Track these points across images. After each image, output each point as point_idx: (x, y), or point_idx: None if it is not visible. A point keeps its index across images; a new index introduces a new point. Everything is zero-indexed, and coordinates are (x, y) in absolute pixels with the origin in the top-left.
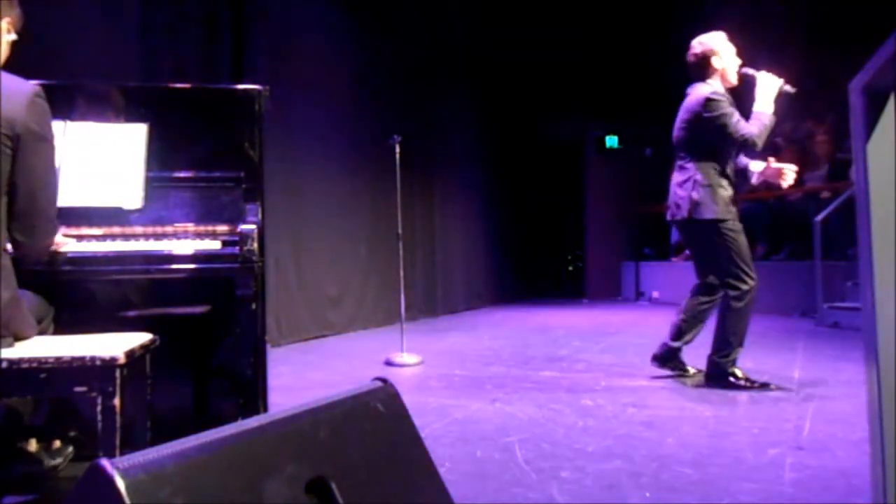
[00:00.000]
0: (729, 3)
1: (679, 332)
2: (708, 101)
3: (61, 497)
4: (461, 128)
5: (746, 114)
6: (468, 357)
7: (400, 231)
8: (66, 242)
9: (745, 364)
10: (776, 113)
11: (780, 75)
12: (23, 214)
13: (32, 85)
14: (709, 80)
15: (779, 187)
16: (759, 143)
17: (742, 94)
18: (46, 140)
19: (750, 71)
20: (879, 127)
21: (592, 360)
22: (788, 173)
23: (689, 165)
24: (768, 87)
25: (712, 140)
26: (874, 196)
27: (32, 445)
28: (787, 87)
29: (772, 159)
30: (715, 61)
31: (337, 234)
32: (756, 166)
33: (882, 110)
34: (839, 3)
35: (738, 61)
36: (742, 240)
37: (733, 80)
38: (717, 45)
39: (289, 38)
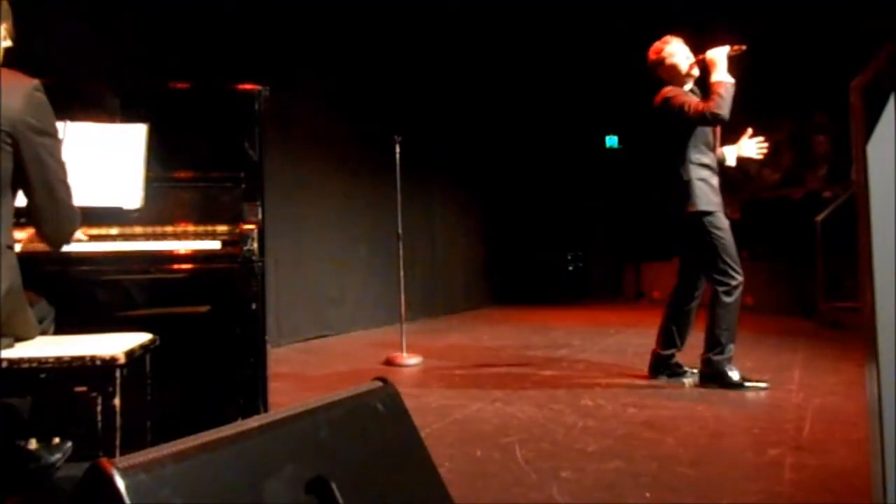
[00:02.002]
0: (726, 2)
1: (668, 341)
2: (664, 101)
3: (61, 497)
4: (461, 128)
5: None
6: (468, 357)
7: (400, 231)
8: (82, 237)
9: (745, 364)
10: (736, 76)
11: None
12: (44, 208)
13: (30, 79)
14: (667, 84)
15: (758, 161)
16: (723, 112)
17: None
18: (49, 133)
19: (699, 56)
20: (879, 127)
21: (592, 360)
22: (760, 145)
23: (671, 164)
24: (717, 58)
25: (687, 134)
26: (874, 196)
27: (32, 444)
28: (736, 48)
29: (745, 136)
30: (661, 70)
31: (337, 234)
32: (728, 150)
33: (882, 110)
34: (839, 3)
35: (691, 57)
36: (728, 236)
37: (690, 73)
38: (661, 53)
39: (288, 37)
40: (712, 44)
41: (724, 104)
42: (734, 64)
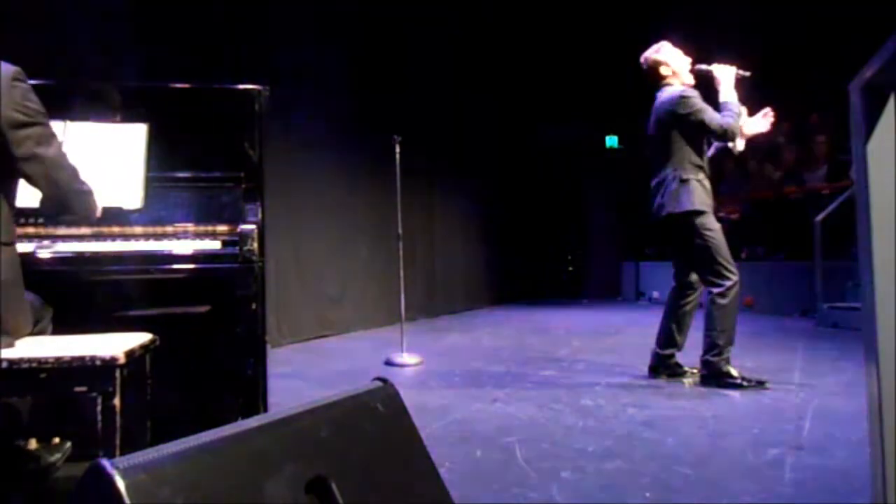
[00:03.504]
0: (725, 2)
1: (667, 340)
2: (682, 99)
3: (61, 497)
4: (461, 128)
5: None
6: (468, 357)
7: (400, 231)
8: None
9: (746, 364)
10: (739, 99)
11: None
12: (53, 198)
13: (10, 68)
14: (664, 86)
15: (768, 134)
16: (738, 131)
17: (701, 91)
18: (36, 122)
19: (703, 67)
20: (879, 127)
21: (592, 360)
22: (767, 115)
23: (667, 164)
24: (726, 76)
25: (689, 136)
26: (874, 196)
27: (32, 445)
28: (741, 72)
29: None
30: (663, 70)
31: (337, 235)
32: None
33: (882, 110)
34: (839, 2)
35: (688, 60)
36: (720, 237)
37: (688, 80)
38: (660, 56)
39: (289, 38)
40: (715, 57)
41: (738, 123)
42: (737, 87)
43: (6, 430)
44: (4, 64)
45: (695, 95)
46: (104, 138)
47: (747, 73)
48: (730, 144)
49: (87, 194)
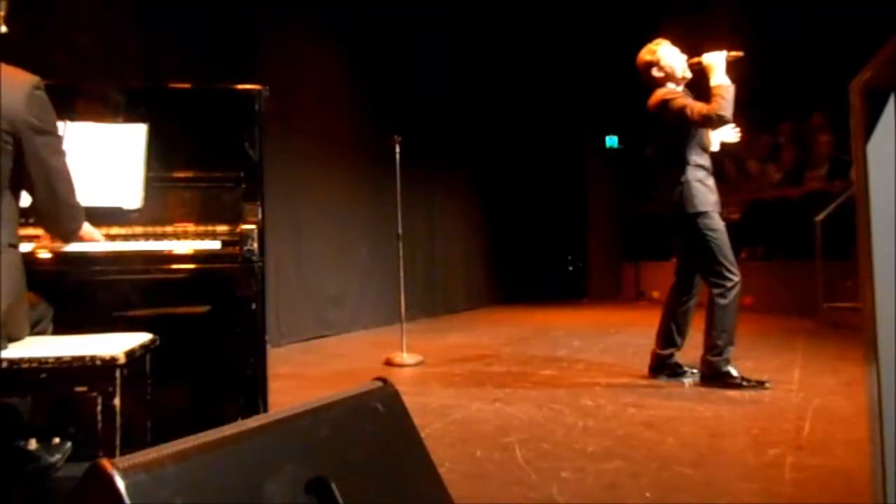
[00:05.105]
0: (726, 2)
1: (667, 340)
2: (663, 103)
3: (61, 497)
4: (461, 127)
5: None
6: (468, 357)
7: (400, 231)
8: (99, 238)
9: (746, 364)
10: (734, 81)
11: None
12: (45, 206)
13: (31, 77)
14: (659, 85)
15: (734, 143)
16: (725, 114)
17: (699, 82)
18: (50, 132)
19: (695, 59)
20: (879, 127)
21: (592, 360)
22: (735, 130)
23: (671, 166)
24: (716, 62)
25: (687, 136)
26: (874, 196)
27: (32, 445)
28: (733, 54)
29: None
30: (654, 71)
31: (337, 234)
32: (712, 136)
33: (882, 110)
34: (840, 2)
35: (684, 58)
36: (723, 237)
37: (683, 76)
38: (652, 56)
39: (289, 38)
40: (708, 47)
41: (727, 106)
42: (731, 69)
43: (6, 430)
44: (26, 73)
45: (676, 97)
46: (104, 138)
47: (740, 54)
48: (711, 141)
49: (77, 211)
